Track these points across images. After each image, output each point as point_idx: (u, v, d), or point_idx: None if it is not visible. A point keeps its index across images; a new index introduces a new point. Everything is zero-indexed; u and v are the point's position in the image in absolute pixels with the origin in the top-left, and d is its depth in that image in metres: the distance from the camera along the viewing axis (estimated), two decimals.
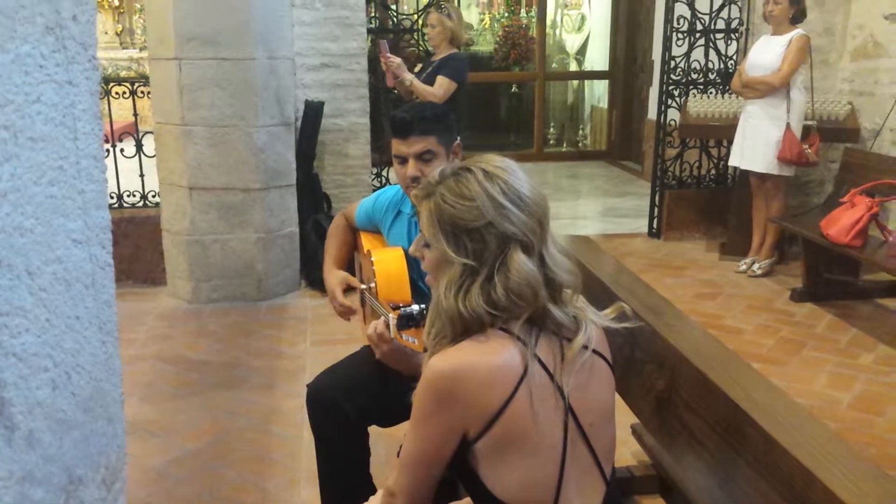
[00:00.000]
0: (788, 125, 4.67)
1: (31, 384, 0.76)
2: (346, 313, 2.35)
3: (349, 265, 2.51)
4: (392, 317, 1.81)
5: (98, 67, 0.86)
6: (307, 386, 2.25)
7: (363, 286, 2.29)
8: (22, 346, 0.75)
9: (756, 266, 5.02)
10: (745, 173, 5.10)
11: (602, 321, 1.44)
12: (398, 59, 4.49)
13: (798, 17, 4.74)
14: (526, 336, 1.32)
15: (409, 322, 1.78)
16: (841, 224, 4.18)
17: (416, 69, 4.74)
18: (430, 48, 4.87)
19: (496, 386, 1.29)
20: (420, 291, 2.19)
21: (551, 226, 1.40)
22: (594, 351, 1.39)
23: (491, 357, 1.30)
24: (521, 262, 1.31)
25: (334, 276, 2.38)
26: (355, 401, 2.15)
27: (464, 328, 1.33)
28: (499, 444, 1.30)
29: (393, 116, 2.13)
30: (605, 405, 1.43)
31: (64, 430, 0.81)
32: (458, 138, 2.18)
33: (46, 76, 0.77)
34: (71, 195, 0.82)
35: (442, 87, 4.36)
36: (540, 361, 1.32)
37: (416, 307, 1.79)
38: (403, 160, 2.10)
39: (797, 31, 4.69)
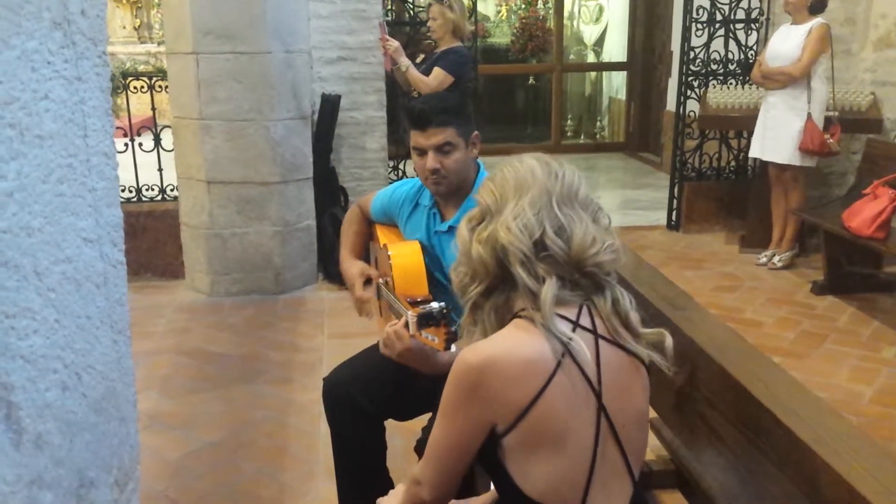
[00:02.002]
0: (810, 115, 4.61)
1: (39, 386, 0.74)
2: (363, 309, 2.33)
3: (365, 256, 2.49)
4: (412, 314, 1.79)
5: (109, 63, 0.84)
6: (324, 380, 2.24)
7: (380, 280, 2.28)
8: (30, 348, 0.74)
9: (777, 259, 4.96)
10: (766, 165, 5.04)
11: (633, 345, 1.38)
12: (396, 43, 4.45)
13: (817, 6, 4.66)
14: (561, 332, 1.30)
15: (429, 321, 1.75)
16: (863, 216, 4.13)
17: (419, 59, 4.71)
18: (434, 40, 4.83)
19: (526, 380, 1.27)
20: (437, 284, 2.17)
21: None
22: (631, 353, 1.36)
23: (522, 351, 1.28)
24: (519, 210, 1.33)
25: (353, 267, 2.36)
26: (372, 394, 2.14)
27: (484, 272, 1.35)
28: (528, 438, 1.29)
29: (411, 108, 2.10)
30: (640, 408, 1.40)
31: (74, 432, 0.80)
32: (476, 131, 2.16)
33: (54, 72, 0.75)
34: (81, 193, 0.80)
35: (437, 78, 4.32)
36: (573, 358, 1.30)
37: (435, 305, 1.76)
38: (422, 152, 2.07)
39: (817, 21, 4.62)
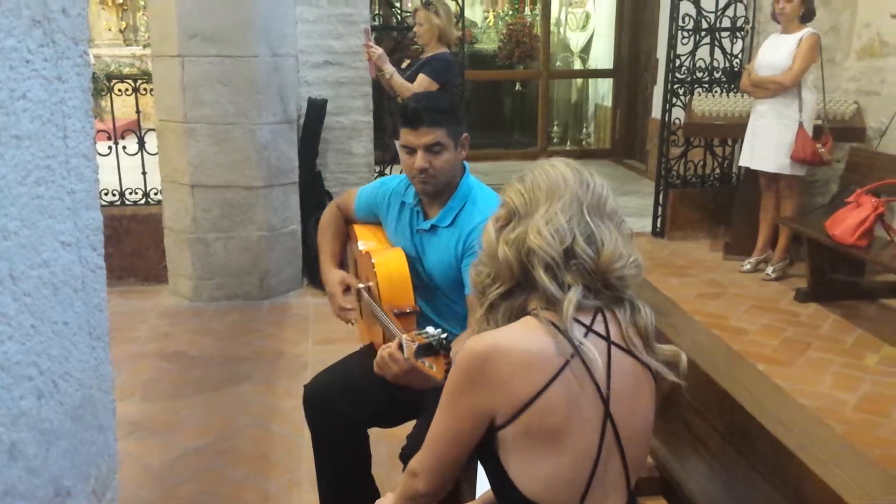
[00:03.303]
0: (801, 124, 4.63)
1: (14, 394, 0.72)
2: (344, 317, 2.31)
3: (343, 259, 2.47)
4: (407, 338, 1.76)
5: (90, 63, 0.82)
6: (304, 386, 2.22)
7: (361, 285, 2.26)
8: (4, 355, 0.71)
9: (770, 269, 4.95)
10: (752, 173, 5.05)
11: (646, 357, 1.37)
12: (380, 50, 4.44)
13: (807, 15, 4.70)
14: (573, 333, 1.29)
15: (427, 352, 1.70)
16: (846, 224, 4.15)
17: (404, 65, 4.70)
18: (420, 46, 4.81)
19: (529, 373, 1.27)
20: (420, 283, 2.15)
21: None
22: (641, 361, 1.36)
23: (528, 344, 1.28)
24: (551, 215, 1.32)
25: (333, 277, 2.34)
26: (354, 402, 2.13)
27: (509, 271, 1.34)
28: (527, 434, 1.28)
29: (404, 106, 2.11)
30: (646, 419, 1.39)
31: (50, 441, 0.78)
32: (466, 133, 2.15)
33: (33, 71, 0.73)
34: (59, 195, 0.78)
35: (421, 85, 4.30)
36: (583, 361, 1.29)
37: (433, 333, 1.71)
38: (412, 150, 2.07)
39: (807, 30, 4.65)
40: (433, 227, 2.14)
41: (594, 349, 1.30)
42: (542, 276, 1.30)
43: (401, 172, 2.21)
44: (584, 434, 1.29)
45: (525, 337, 1.29)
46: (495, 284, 1.37)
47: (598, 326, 1.33)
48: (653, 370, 1.38)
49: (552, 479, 1.30)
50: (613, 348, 1.33)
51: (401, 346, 1.78)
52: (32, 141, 0.75)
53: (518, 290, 1.36)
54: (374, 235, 2.33)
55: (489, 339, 1.30)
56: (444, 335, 1.69)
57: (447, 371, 1.70)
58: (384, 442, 2.62)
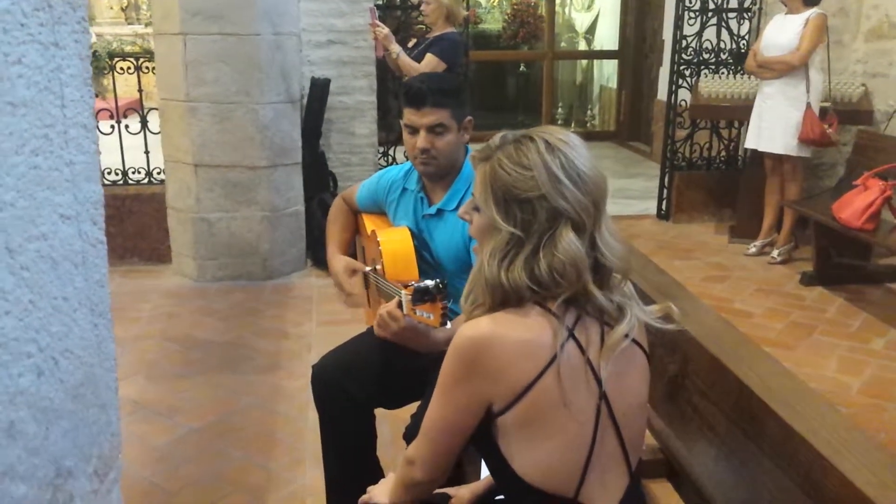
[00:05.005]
0: (809, 105, 4.59)
1: (12, 371, 0.70)
2: (351, 303, 2.30)
3: (351, 251, 2.46)
4: (405, 293, 1.76)
5: (89, 30, 0.79)
6: (312, 367, 2.22)
7: (367, 268, 2.25)
8: (1, 331, 0.69)
9: (776, 252, 4.93)
10: (758, 155, 5.02)
11: (645, 317, 1.38)
12: (386, 30, 4.40)
13: None
14: (566, 317, 1.28)
15: (424, 296, 1.71)
16: (853, 207, 4.12)
17: (410, 44, 4.66)
18: (427, 25, 4.77)
19: (525, 360, 1.25)
20: (427, 267, 2.14)
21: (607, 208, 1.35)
22: (633, 340, 1.34)
23: (523, 331, 1.26)
24: (568, 241, 1.27)
25: (338, 262, 2.33)
26: (361, 383, 2.12)
27: (502, 298, 1.30)
28: (525, 420, 1.27)
29: (409, 85, 2.09)
30: (640, 396, 1.39)
31: (50, 420, 0.76)
32: (470, 115, 2.13)
33: (29, 36, 0.70)
34: (58, 166, 0.76)
35: (429, 65, 4.27)
36: (578, 344, 1.28)
37: (430, 281, 1.72)
38: (414, 130, 2.05)
39: (814, 10, 4.61)
40: (439, 212, 2.13)
41: (589, 329, 1.29)
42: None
43: (405, 153, 2.20)
44: (580, 416, 1.28)
45: (520, 324, 1.27)
46: (494, 303, 1.33)
47: (591, 308, 1.32)
48: (644, 347, 1.38)
49: (550, 462, 1.29)
50: (606, 327, 1.32)
51: (400, 305, 1.78)
52: (29, 108, 0.72)
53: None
54: (384, 221, 2.33)
55: (484, 327, 1.27)
56: (441, 280, 1.70)
57: (443, 316, 1.70)
58: (387, 422, 2.62)
